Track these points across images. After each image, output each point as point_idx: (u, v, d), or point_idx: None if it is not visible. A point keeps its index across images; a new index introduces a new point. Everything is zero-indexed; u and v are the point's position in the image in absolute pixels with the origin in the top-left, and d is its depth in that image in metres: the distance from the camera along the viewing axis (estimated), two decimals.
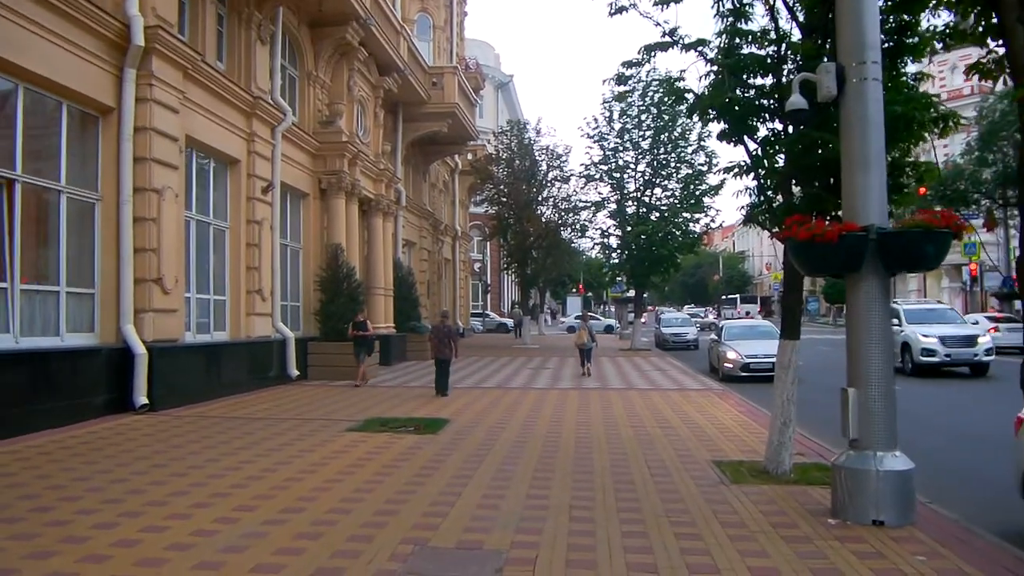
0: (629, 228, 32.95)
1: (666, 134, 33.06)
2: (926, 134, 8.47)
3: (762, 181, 9.22)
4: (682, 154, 33.27)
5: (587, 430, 12.26)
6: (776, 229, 9.34)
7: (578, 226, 37.83)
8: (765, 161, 9.14)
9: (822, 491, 8.19)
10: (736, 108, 8.91)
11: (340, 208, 22.29)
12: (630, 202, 33.89)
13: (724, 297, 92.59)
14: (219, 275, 17.43)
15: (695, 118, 9.31)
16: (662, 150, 33.20)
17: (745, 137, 9.14)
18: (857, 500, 7.00)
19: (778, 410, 9.09)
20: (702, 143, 32.95)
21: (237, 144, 17.70)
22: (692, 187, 32.99)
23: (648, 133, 33.41)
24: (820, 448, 10.71)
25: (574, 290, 69.46)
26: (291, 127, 19.95)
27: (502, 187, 37.24)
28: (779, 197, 9.23)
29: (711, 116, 9.11)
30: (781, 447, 9.03)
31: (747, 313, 70.64)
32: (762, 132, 9.16)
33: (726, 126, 9.12)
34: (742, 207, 9.84)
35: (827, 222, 7.37)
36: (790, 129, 8.70)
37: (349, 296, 20.66)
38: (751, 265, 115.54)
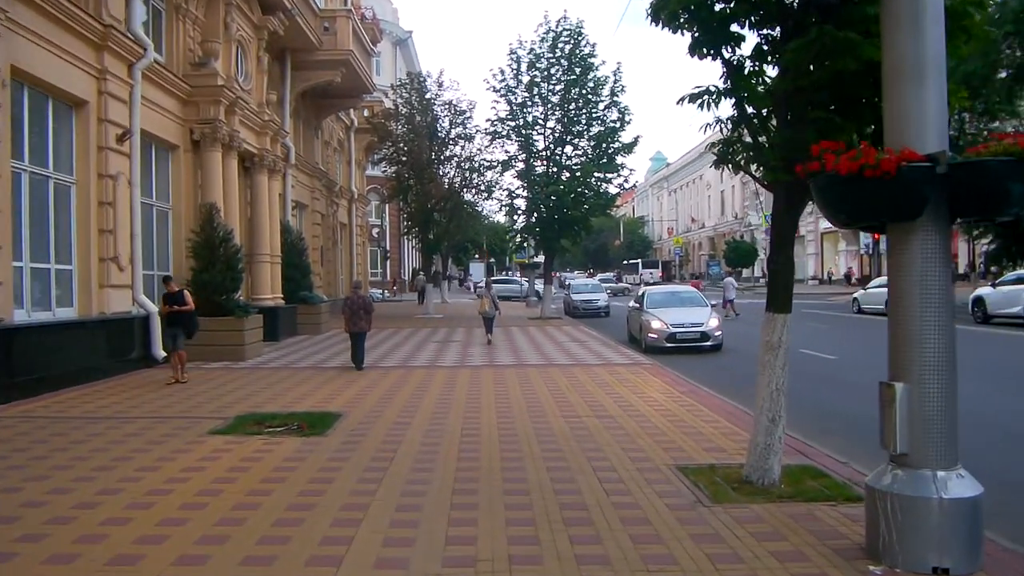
0: (538, 189, 30.79)
1: (577, 89, 30.91)
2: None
3: (745, 108, 7.10)
4: (594, 111, 31.19)
5: (511, 424, 10.08)
6: (759, 171, 7.31)
7: (483, 187, 35.42)
8: (751, 80, 7.01)
9: (830, 511, 6.30)
10: (715, 8, 6.75)
11: (216, 163, 19.42)
12: (539, 161, 31.69)
13: (626, 262, 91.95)
14: (63, 240, 14.46)
15: (658, 24, 7.01)
16: (573, 106, 31.05)
17: (724, 49, 6.99)
18: (911, 539, 5.02)
19: (764, 403, 7.08)
20: (615, 99, 31.02)
21: (84, 81, 14.70)
22: (605, 145, 30.97)
23: (558, 88, 31.18)
24: (790, 440, 8.81)
25: (477, 256, 67.23)
26: (154, 66, 16.96)
27: (401, 144, 34.51)
28: (758, 133, 7.17)
29: (680, 21, 6.90)
30: (769, 451, 7.04)
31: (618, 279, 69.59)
32: (749, 43, 7.03)
33: (699, 34, 6.94)
34: (714, 145, 7.74)
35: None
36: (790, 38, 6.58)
37: (226, 264, 17.88)
38: (651, 230, 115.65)
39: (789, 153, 6.39)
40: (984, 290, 26.82)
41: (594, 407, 11.28)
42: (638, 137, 31.14)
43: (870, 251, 49.86)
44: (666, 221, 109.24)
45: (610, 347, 20.30)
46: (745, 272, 75.70)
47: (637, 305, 21.66)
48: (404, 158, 34.41)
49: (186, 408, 11.47)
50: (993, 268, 44.35)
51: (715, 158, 7.68)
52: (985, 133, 30.09)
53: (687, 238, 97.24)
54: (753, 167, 7.47)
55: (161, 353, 16.42)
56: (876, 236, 49.44)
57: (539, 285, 36.94)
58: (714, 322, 19.62)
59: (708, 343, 19.38)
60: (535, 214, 31.33)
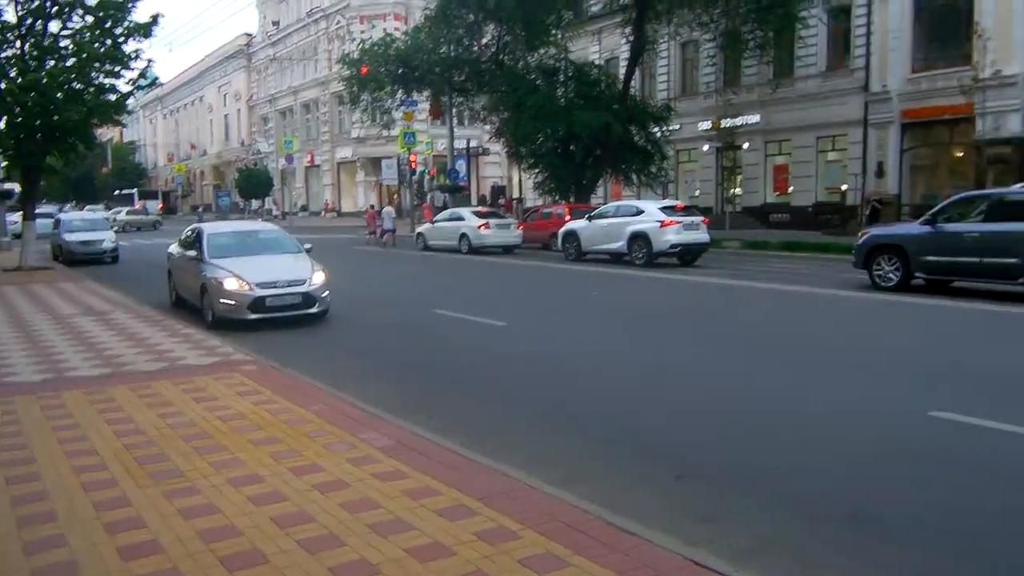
0: (9, 80, 20.77)
1: None
2: None
3: None
4: None
5: None
6: None
7: None
8: None
9: None
10: None
11: None
12: (9, 40, 21.50)
13: (118, 192, 79.35)
14: None
15: None
16: None
17: None
18: None
19: None
20: None
21: None
22: (110, 24, 21.82)
23: None
24: None
25: None
26: None
27: None
28: None
29: None
30: None
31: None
32: None
33: None
34: None
35: None
36: None
37: None
38: (144, 156, 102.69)
39: None
40: (576, 224, 24.10)
41: None
42: (157, 16, 22.36)
43: (409, 182, 45.89)
44: (163, 147, 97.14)
45: (151, 321, 12.75)
46: (255, 203, 68.54)
47: (192, 253, 13.89)
48: None
49: None
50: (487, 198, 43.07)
51: None
52: None
53: (189, 166, 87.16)
54: None
55: None
56: (413, 163, 45.17)
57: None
58: (320, 278, 13.01)
59: (314, 309, 12.81)
60: (5, 117, 21.24)
